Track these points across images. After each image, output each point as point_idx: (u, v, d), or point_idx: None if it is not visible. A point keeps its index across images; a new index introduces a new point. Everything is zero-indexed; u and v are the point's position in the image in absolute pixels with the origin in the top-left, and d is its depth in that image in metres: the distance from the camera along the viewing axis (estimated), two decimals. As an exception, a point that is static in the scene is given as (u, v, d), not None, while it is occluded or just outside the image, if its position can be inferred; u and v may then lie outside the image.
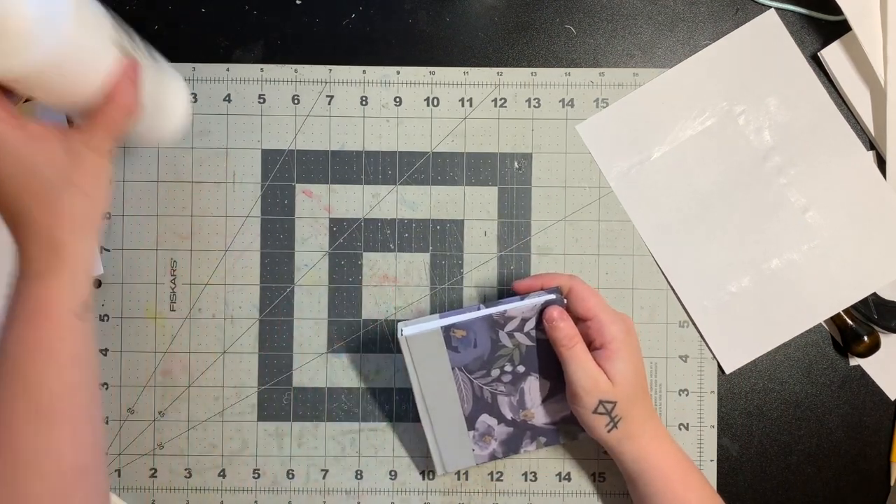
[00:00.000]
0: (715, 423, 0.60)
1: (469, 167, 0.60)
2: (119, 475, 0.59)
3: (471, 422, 0.55)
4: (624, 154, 0.59)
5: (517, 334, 0.53)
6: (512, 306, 0.52)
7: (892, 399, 0.60)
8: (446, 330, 0.52)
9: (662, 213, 0.59)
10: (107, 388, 0.59)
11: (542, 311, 0.52)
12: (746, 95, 0.59)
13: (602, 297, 0.52)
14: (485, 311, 0.52)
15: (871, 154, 0.60)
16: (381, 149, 0.60)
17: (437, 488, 0.59)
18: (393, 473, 0.59)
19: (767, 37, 0.59)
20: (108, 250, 0.59)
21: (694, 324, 0.59)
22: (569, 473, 0.60)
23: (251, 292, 0.59)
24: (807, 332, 0.60)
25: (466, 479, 0.59)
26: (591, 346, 0.52)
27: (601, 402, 0.51)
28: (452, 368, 0.53)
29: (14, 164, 0.40)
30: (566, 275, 0.54)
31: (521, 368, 0.54)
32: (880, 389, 0.60)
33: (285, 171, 0.60)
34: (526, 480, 0.59)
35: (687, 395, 0.60)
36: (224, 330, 0.59)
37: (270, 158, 0.60)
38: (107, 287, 0.59)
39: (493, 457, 0.56)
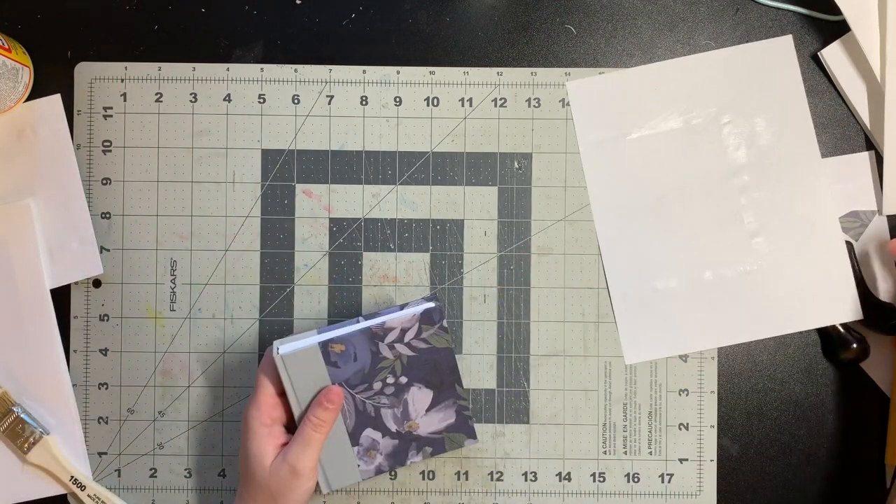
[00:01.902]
0: (715, 423, 0.60)
1: (469, 167, 0.60)
2: (119, 475, 0.59)
3: (354, 437, 0.54)
4: (603, 125, 0.59)
5: (398, 345, 0.53)
6: (391, 317, 0.52)
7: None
8: (324, 345, 0.52)
9: (620, 192, 0.59)
10: (107, 388, 0.59)
11: (420, 320, 0.52)
12: (738, 108, 0.59)
13: None
14: (363, 324, 0.52)
15: (867, 154, 0.60)
16: (381, 149, 0.60)
17: (436, 488, 0.59)
18: (393, 473, 0.59)
19: (777, 60, 0.59)
20: (108, 250, 0.59)
21: (612, 309, 0.59)
22: (569, 473, 0.60)
23: (251, 292, 0.59)
24: (807, 332, 0.60)
25: (466, 479, 0.59)
26: None
27: None
28: (333, 384, 0.52)
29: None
30: None
31: (403, 379, 0.53)
32: (880, 389, 0.60)
33: (285, 171, 0.60)
34: (526, 480, 0.59)
35: (687, 395, 0.60)
36: (224, 330, 0.59)
37: (270, 158, 0.60)
38: (107, 287, 0.59)
39: (378, 471, 0.55)
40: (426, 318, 0.53)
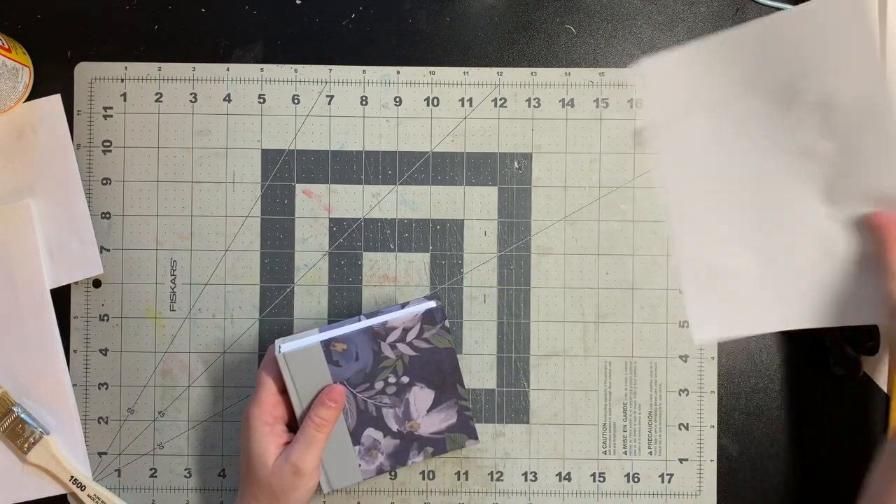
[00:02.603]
0: (715, 423, 0.60)
1: (469, 167, 0.60)
2: (119, 475, 0.59)
3: (356, 436, 0.54)
4: (676, 100, 0.57)
5: (399, 345, 0.53)
6: (393, 316, 0.52)
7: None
8: (326, 344, 0.52)
9: (692, 169, 0.57)
10: (107, 388, 0.59)
11: (422, 319, 0.52)
12: (815, 74, 0.53)
13: None
14: (365, 323, 0.52)
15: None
16: (381, 149, 0.60)
17: (437, 488, 0.59)
18: (393, 473, 0.59)
19: (846, 13, 0.52)
20: (108, 250, 0.59)
21: (681, 289, 0.59)
22: (569, 473, 0.60)
23: (251, 292, 0.59)
24: (806, 332, 0.60)
25: (466, 479, 0.59)
26: None
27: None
28: (335, 383, 0.52)
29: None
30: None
31: (405, 379, 0.53)
32: (880, 389, 0.60)
33: (285, 171, 0.60)
34: (526, 480, 0.59)
35: (687, 395, 0.60)
36: (224, 330, 0.59)
37: (270, 158, 0.60)
38: (107, 287, 0.59)
39: (380, 471, 0.55)
40: (428, 317, 0.53)
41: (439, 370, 0.53)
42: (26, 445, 0.56)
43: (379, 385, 0.53)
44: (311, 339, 0.52)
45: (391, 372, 0.53)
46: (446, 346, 0.53)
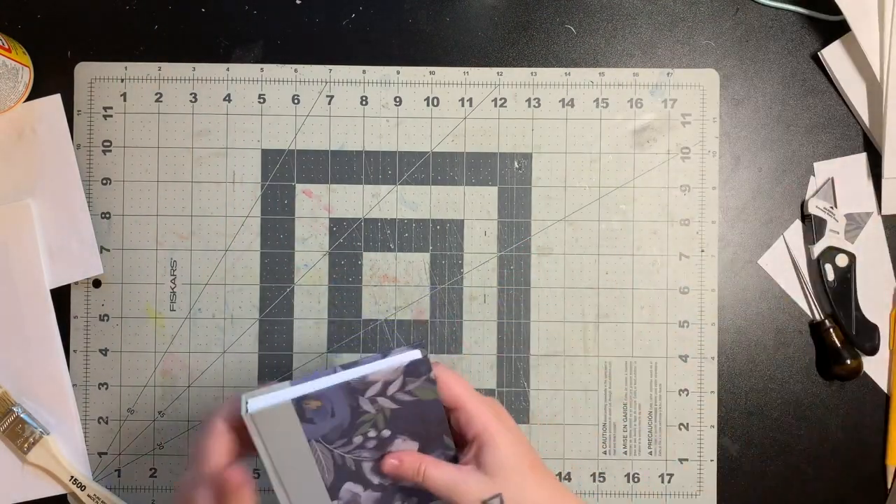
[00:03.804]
0: (715, 423, 0.60)
1: (469, 167, 0.60)
2: (119, 475, 0.59)
3: (333, 491, 0.48)
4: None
5: (380, 399, 0.47)
6: (372, 369, 0.47)
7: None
8: (298, 402, 0.46)
9: None
10: (107, 388, 0.59)
11: (405, 373, 0.47)
12: None
13: (467, 384, 0.48)
14: (342, 378, 0.47)
15: (862, 155, 0.60)
16: (381, 149, 0.60)
17: (437, 488, 0.59)
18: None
19: None
20: (108, 250, 0.59)
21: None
22: (569, 473, 0.60)
23: (251, 292, 0.59)
24: (806, 333, 0.60)
25: (466, 479, 0.59)
26: (464, 437, 0.48)
27: (484, 503, 0.45)
28: (308, 440, 0.47)
29: None
30: (433, 364, 0.48)
31: (386, 432, 0.48)
32: (880, 389, 0.60)
33: (285, 171, 0.60)
34: (526, 480, 0.59)
35: (687, 395, 0.60)
36: (224, 330, 0.59)
37: (270, 158, 0.60)
38: (107, 287, 0.59)
39: None
40: (411, 370, 0.47)
41: (424, 422, 0.48)
42: (26, 445, 0.56)
43: (358, 440, 0.48)
44: (282, 394, 0.47)
45: (371, 426, 0.48)
46: (432, 399, 0.48)
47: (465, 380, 0.48)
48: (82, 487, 0.57)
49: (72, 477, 0.57)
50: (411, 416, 0.48)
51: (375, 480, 0.49)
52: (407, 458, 0.47)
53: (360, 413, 0.47)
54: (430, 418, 0.49)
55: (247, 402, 0.46)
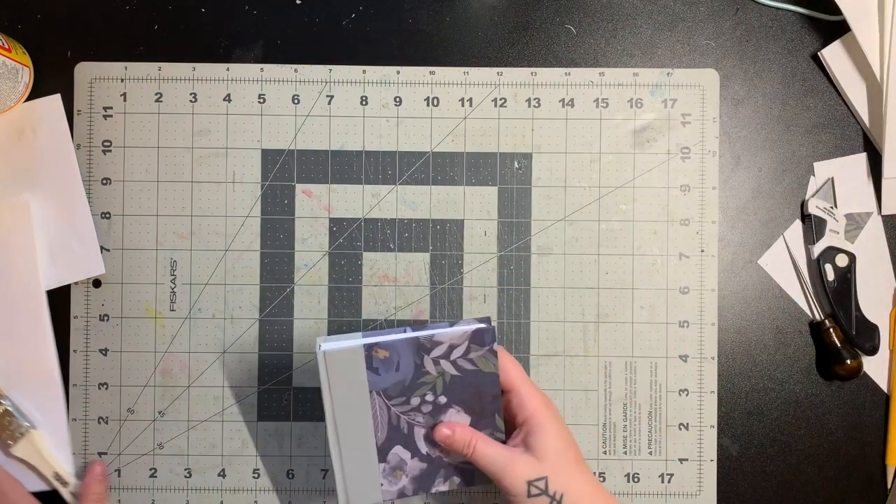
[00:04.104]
0: (715, 423, 0.60)
1: (469, 167, 0.60)
2: (119, 475, 0.59)
3: (383, 453, 0.50)
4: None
5: (443, 362, 0.50)
6: (441, 331, 0.49)
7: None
8: (368, 349, 0.49)
9: None
10: (107, 389, 0.59)
11: (471, 339, 0.49)
12: None
13: (523, 371, 0.50)
14: (411, 334, 0.49)
15: (862, 155, 0.60)
16: (381, 149, 0.60)
17: (437, 488, 0.59)
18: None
19: None
20: (108, 250, 0.59)
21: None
22: (569, 473, 0.59)
23: (251, 292, 0.59)
24: (806, 333, 0.60)
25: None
26: (514, 420, 0.50)
27: (530, 484, 0.47)
28: (370, 392, 0.49)
29: None
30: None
31: (442, 399, 0.50)
32: (880, 389, 0.60)
33: (285, 171, 0.60)
34: (526, 480, 0.59)
35: (687, 395, 0.60)
36: (224, 330, 0.59)
37: (270, 158, 0.60)
38: (107, 287, 0.59)
39: (401, 494, 0.51)
40: (477, 337, 0.49)
41: (479, 395, 0.50)
42: (12, 439, 0.56)
43: (415, 401, 0.50)
44: (354, 340, 0.49)
45: (430, 389, 0.50)
46: (491, 371, 0.50)
47: (521, 367, 0.50)
48: (65, 484, 0.57)
49: (55, 473, 0.57)
50: (469, 386, 0.50)
51: (424, 450, 0.51)
52: (459, 429, 0.49)
53: (422, 373, 0.50)
54: (486, 393, 0.51)
55: (320, 344, 0.49)
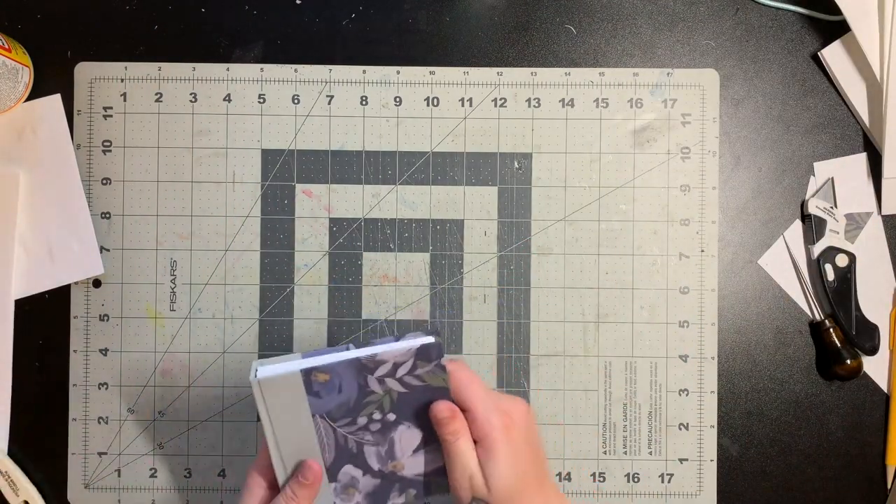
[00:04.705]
0: (715, 423, 0.60)
1: (469, 167, 0.60)
2: (119, 475, 0.59)
3: (332, 473, 0.48)
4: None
5: (388, 380, 0.47)
6: (384, 349, 0.47)
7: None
8: (307, 373, 0.46)
9: None
10: (107, 388, 0.59)
11: (416, 355, 0.47)
12: None
13: (484, 386, 0.47)
14: (353, 354, 0.47)
15: (863, 155, 0.60)
16: (381, 149, 0.60)
17: (437, 488, 0.59)
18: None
19: None
20: (108, 250, 0.59)
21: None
22: (569, 473, 0.60)
23: (251, 292, 0.59)
24: (806, 333, 0.60)
25: (466, 479, 0.59)
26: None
27: (475, 499, 0.45)
28: (313, 415, 0.47)
29: None
30: (450, 361, 0.48)
31: (391, 416, 0.48)
32: (880, 389, 0.60)
33: (285, 171, 0.60)
34: (526, 480, 0.59)
35: (687, 395, 0.60)
36: (224, 330, 0.59)
37: (270, 158, 0.60)
38: (107, 287, 0.59)
39: None
40: (423, 353, 0.47)
41: (428, 410, 0.48)
42: None
43: (362, 421, 0.48)
44: (291, 365, 0.47)
45: (376, 408, 0.48)
46: (441, 385, 0.47)
47: (481, 382, 0.47)
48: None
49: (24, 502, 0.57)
50: (418, 402, 0.48)
51: (376, 466, 0.49)
52: (458, 413, 0.46)
53: (367, 392, 0.47)
54: None
55: (256, 369, 0.46)
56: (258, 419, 0.47)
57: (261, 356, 0.59)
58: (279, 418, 0.47)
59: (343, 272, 0.60)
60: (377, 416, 0.48)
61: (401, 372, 0.47)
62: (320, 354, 0.48)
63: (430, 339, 0.47)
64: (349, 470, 0.49)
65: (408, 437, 0.49)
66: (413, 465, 0.49)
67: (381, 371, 0.47)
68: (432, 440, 0.49)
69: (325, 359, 0.47)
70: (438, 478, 0.50)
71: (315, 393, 0.47)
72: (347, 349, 0.47)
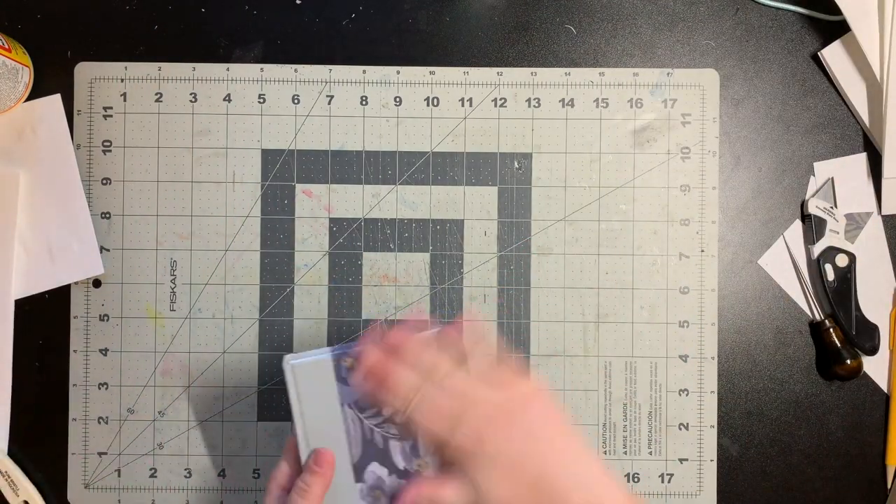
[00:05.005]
0: (715, 423, 0.60)
1: (469, 167, 0.60)
2: (119, 475, 0.59)
3: (359, 472, 0.47)
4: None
5: None
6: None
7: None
8: (336, 357, 0.47)
9: None
10: (107, 388, 0.59)
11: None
12: None
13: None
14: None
15: (862, 155, 0.60)
16: (381, 149, 0.60)
17: (437, 488, 0.59)
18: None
19: None
20: (108, 250, 0.59)
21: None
22: (569, 473, 0.59)
23: (251, 292, 0.59)
24: (806, 333, 0.60)
25: (466, 479, 0.59)
26: None
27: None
28: (341, 405, 0.47)
29: None
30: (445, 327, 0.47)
31: None
32: (880, 389, 0.60)
33: (285, 171, 0.60)
34: (526, 480, 0.59)
35: (687, 395, 0.60)
36: (224, 330, 0.59)
37: (270, 158, 0.60)
38: (107, 287, 0.59)
39: None
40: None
41: None
42: None
43: (388, 412, 0.47)
44: (322, 352, 0.47)
45: None
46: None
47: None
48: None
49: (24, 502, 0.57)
50: None
51: (401, 465, 0.48)
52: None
53: None
54: None
55: (287, 360, 0.47)
56: (290, 411, 0.47)
57: (261, 356, 0.59)
58: (309, 407, 0.47)
59: (343, 272, 0.60)
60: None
61: None
62: (350, 344, 0.48)
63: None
64: (375, 469, 0.48)
65: None
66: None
67: None
68: None
69: (355, 346, 0.47)
70: None
71: (344, 380, 0.47)
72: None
